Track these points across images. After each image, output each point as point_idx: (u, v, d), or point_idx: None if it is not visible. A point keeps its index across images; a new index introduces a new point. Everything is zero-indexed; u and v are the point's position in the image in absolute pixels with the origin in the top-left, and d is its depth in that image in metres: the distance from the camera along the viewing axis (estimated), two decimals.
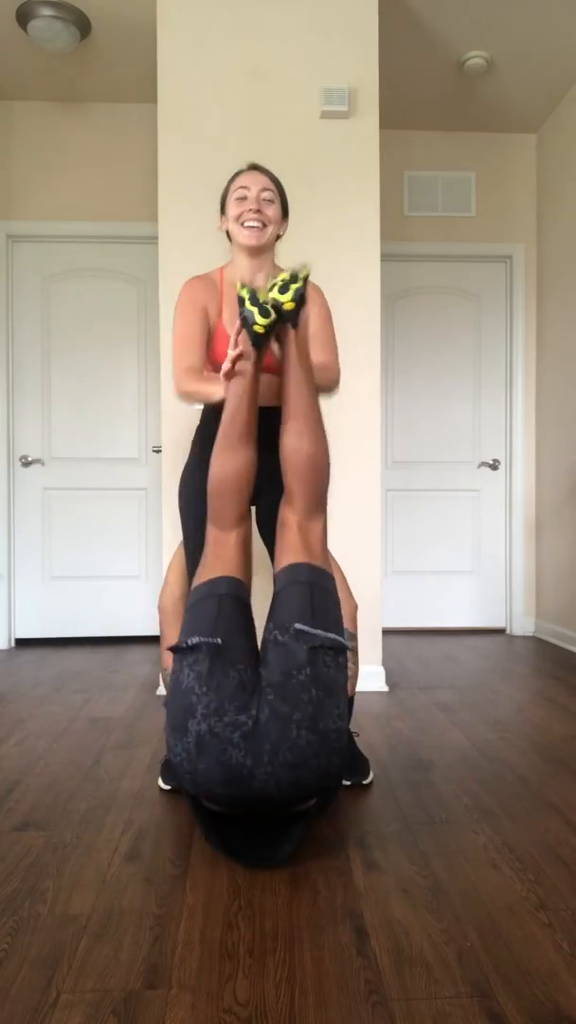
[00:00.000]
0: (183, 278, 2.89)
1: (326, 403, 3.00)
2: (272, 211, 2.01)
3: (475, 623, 4.38)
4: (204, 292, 2.03)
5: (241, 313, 1.71)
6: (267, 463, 1.97)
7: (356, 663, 2.06)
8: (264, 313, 1.69)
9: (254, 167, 2.04)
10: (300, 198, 3.01)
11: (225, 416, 1.76)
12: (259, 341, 1.72)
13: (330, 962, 1.19)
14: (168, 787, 1.94)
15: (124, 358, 4.06)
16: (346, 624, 2.01)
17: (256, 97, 3.02)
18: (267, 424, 1.94)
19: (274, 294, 1.71)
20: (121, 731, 2.46)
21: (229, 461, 1.74)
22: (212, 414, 2.01)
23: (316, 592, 1.64)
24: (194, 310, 2.00)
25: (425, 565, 4.37)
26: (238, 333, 1.73)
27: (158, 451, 4.01)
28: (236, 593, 1.65)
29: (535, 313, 4.34)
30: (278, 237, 2.07)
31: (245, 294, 1.71)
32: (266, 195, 1.99)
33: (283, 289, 1.71)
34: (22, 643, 4.04)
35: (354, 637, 2.05)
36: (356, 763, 1.99)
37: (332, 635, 1.58)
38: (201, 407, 2.13)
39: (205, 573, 1.69)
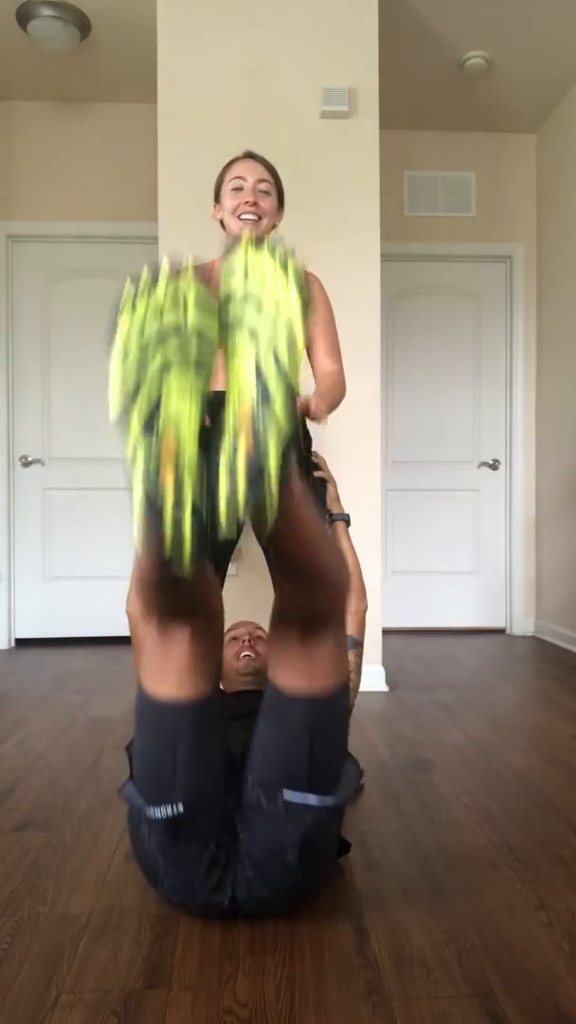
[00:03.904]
0: None
1: None
2: (268, 203, 1.96)
3: (475, 623, 4.38)
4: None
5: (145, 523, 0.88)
6: None
7: (359, 673, 1.87)
8: (178, 560, 0.86)
9: (250, 155, 1.98)
10: (300, 198, 3.01)
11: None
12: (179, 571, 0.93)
13: (330, 962, 1.19)
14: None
15: None
16: (351, 631, 1.83)
17: (256, 97, 3.02)
18: None
19: (222, 506, 0.84)
20: (121, 731, 2.46)
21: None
22: None
23: (318, 739, 1.21)
24: None
25: (425, 565, 4.37)
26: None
27: None
28: (198, 724, 1.21)
29: (535, 313, 4.34)
30: (273, 227, 2.02)
31: (133, 451, 0.84)
32: (262, 186, 1.94)
33: (234, 514, 0.84)
34: (22, 643, 4.04)
35: (359, 644, 1.86)
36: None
37: (332, 802, 1.23)
38: None
39: (152, 676, 1.21)
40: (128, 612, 1.88)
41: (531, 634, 4.33)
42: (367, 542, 3.01)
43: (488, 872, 1.49)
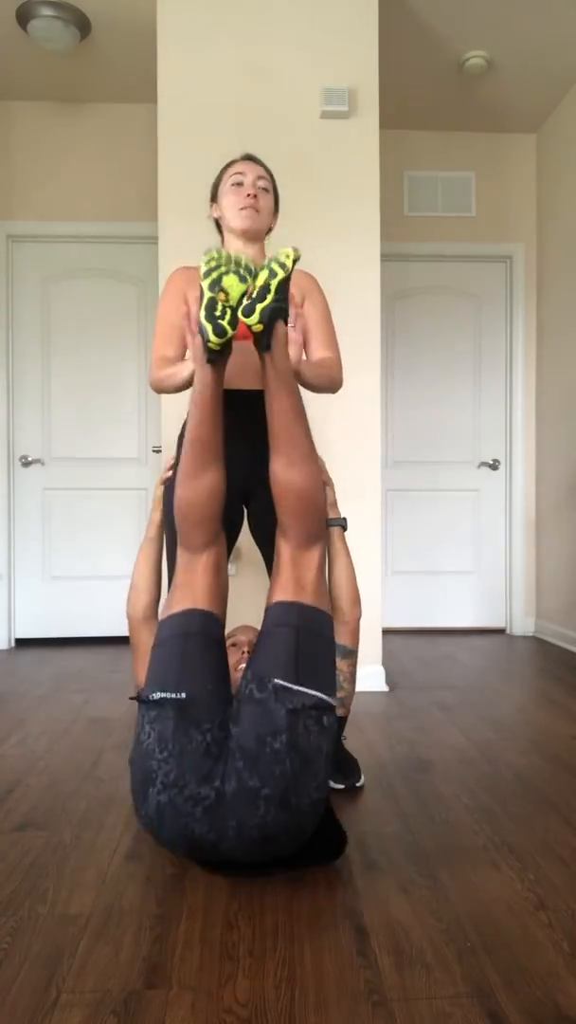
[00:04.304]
0: None
1: (326, 402, 3.00)
2: (266, 201, 1.98)
3: (475, 623, 4.38)
4: (187, 281, 2.00)
5: (198, 317, 1.52)
6: (257, 461, 1.89)
7: (353, 681, 1.85)
8: (218, 331, 1.48)
9: (249, 157, 2.02)
10: (300, 198, 3.01)
11: (187, 433, 1.58)
12: (213, 357, 1.54)
13: (330, 962, 1.19)
14: None
15: (124, 358, 4.06)
16: (343, 640, 1.83)
17: (256, 97, 3.02)
18: (254, 411, 1.85)
19: (239, 313, 1.51)
20: (121, 731, 2.46)
21: (193, 485, 1.57)
22: None
23: (304, 638, 1.48)
24: (174, 299, 1.97)
25: (425, 565, 4.37)
26: (192, 335, 1.59)
27: (158, 451, 4.01)
28: (206, 630, 1.51)
29: (535, 313, 4.34)
30: (268, 230, 2.03)
31: (206, 289, 1.51)
32: (261, 183, 1.98)
33: (248, 310, 1.49)
34: (22, 643, 4.04)
35: (352, 653, 1.86)
36: (347, 766, 1.95)
37: (317, 694, 1.42)
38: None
39: (175, 602, 1.56)
40: (128, 614, 1.89)
41: (531, 634, 4.33)
42: (367, 542, 3.01)
43: (488, 872, 1.49)
